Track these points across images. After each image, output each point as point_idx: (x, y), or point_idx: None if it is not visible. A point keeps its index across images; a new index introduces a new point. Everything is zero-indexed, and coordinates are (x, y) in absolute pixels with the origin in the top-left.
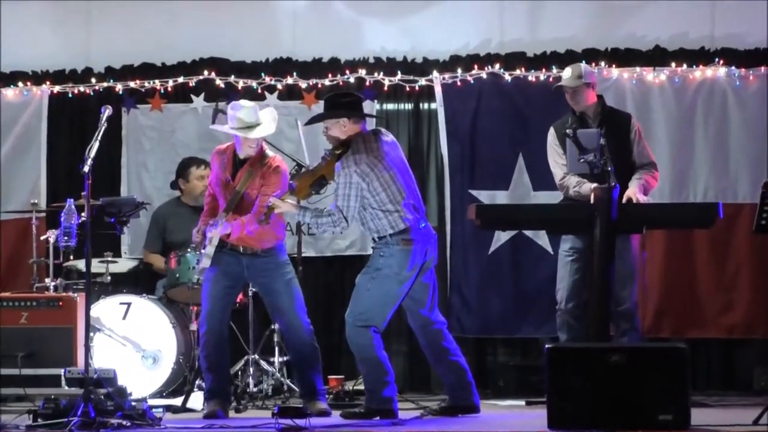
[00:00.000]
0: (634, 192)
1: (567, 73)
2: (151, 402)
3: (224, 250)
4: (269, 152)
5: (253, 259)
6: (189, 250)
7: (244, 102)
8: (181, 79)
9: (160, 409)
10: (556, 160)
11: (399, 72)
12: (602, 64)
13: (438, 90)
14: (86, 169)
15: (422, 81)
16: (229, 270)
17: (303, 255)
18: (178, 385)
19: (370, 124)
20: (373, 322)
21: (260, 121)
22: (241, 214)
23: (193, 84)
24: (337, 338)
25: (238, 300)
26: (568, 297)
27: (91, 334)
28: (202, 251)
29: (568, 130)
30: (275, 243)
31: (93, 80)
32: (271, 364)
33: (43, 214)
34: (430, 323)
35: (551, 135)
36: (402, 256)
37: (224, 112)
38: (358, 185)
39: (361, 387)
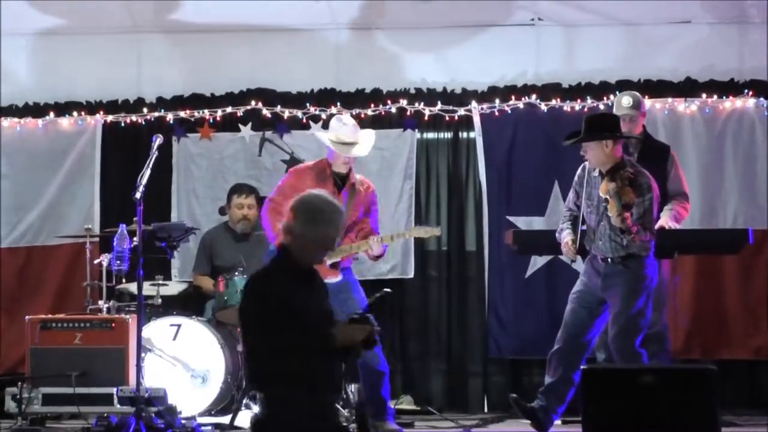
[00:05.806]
0: (666, 221)
1: (628, 101)
2: (200, 420)
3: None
4: (356, 174)
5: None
6: (236, 273)
7: (346, 119)
8: (229, 109)
9: (209, 427)
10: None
11: (439, 102)
12: None
13: (477, 120)
14: (138, 195)
15: (461, 111)
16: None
17: None
18: (226, 403)
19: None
20: None
21: (358, 141)
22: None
23: (241, 114)
24: None
25: None
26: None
27: (143, 354)
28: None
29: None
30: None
31: (144, 110)
32: None
33: (97, 239)
34: None
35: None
36: None
37: (271, 141)
38: None
39: (403, 406)
